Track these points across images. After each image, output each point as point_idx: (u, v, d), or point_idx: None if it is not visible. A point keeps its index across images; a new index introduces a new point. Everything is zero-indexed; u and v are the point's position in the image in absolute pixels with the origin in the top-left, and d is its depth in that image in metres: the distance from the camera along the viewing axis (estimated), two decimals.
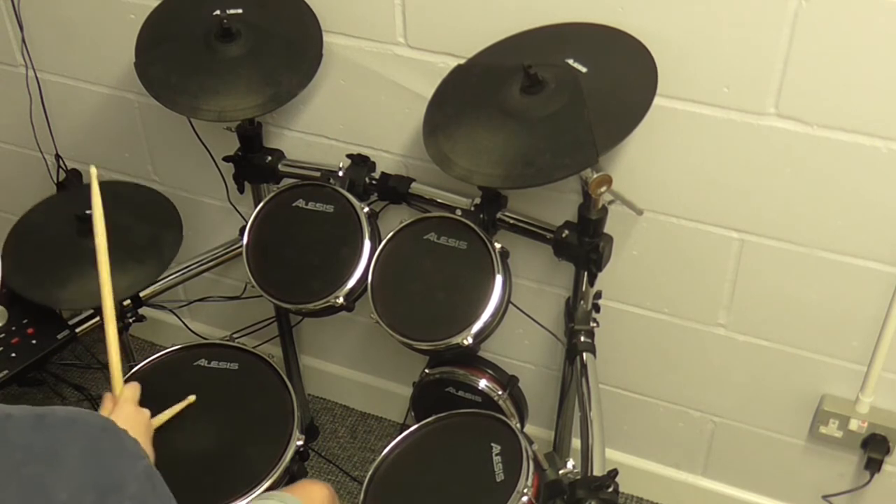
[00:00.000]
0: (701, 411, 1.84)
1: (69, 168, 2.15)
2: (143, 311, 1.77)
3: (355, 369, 2.22)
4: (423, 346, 1.52)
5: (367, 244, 1.58)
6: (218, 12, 1.61)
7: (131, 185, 1.92)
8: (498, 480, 1.38)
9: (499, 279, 1.50)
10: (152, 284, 1.75)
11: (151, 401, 1.38)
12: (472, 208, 1.62)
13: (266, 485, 1.43)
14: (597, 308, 1.69)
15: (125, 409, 1.31)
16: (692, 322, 1.72)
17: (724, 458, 1.89)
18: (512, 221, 1.62)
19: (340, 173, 1.69)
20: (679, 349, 1.76)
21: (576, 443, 1.82)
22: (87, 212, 1.68)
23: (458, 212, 1.61)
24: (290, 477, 1.49)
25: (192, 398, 1.48)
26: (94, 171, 1.45)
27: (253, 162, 1.78)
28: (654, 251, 1.66)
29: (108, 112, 2.02)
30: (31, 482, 0.74)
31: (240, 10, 1.63)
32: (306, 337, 2.21)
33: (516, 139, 1.40)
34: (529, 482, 1.36)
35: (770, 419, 1.78)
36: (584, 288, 1.62)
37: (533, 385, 1.90)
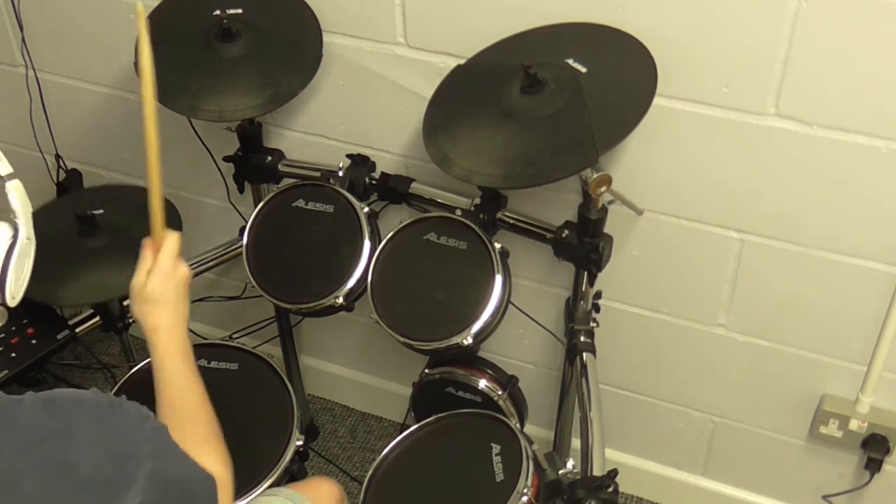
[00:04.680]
0: (701, 411, 1.84)
1: (69, 168, 2.15)
2: None
3: (355, 369, 2.22)
4: (423, 346, 1.52)
5: (367, 244, 1.58)
6: (218, 12, 1.61)
7: (131, 188, 1.91)
8: (498, 480, 1.38)
9: (499, 279, 1.50)
10: None
11: (152, 402, 1.38)
12: (472, 208, 1.62)
13: (266, 485, 1.43)
14: (597, 308, 1.69)
15: (164, 268, 1.21)
16: (692, 322, 1.72)
17: (724, 458, 1.89)
18: (512, 221, 1.62)
19: (340, 173, 1.69)
20: (679, 349, 1.76)
21: (576, 443, 1.82)
22: (88, 212, 1.69)
23: (458, 212, 1.61)
24: (290, 477, 1.49)
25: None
26: (140, 7, 1.30)
27: (253, 162, 1.78)
28: (654, 251, 1.66)
29: (108, 112, 2.02)
30: (52, 461, 0.76)
31: (240, 11, 1.63)
32: (306, 337, 2.21)
33: (516, 139, 1.40)
34: (529, 482, 1.36)
35: (770, 419, 1.78)
36: (584, 288, 1.62)
37: (533, 385, 1.90)
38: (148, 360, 1.58)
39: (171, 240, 1.24)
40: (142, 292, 1.20)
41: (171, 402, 1.15)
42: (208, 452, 1.06)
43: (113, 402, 0.85)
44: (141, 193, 1.76)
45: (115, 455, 0.79)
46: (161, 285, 1.20)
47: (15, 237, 1.08)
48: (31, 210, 1.11)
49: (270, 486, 1.44)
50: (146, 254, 1.23)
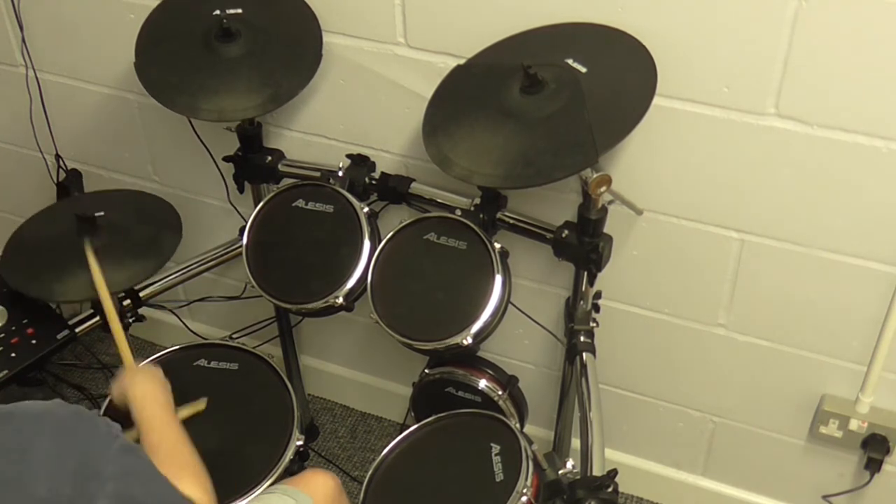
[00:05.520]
0: (701, 411, 1.84)
1: (69, 168, 2.15)
2: (143, 311, 1.77)
3: (355, 369, 2.22)
4: (423, 346, 1.52)
5: (366, 244, 1.58)
6: (218, 12, 1.61)
7: (131, 192, 1.92)
8: (498, 480, 1.38)
9: (499, 279, 1.50)
10: (152, 284, 1.76)
11: None
12: (472, 208, 1.62)
13: (266, 485, 1.43)
14: (597, 308, 1.69)
15: (139, 369, 1.37)
16: (692, 322, 1.72)
17: (724, 458, 1.89)
18: (512, 221, 1.62)
19: (340, 173, 1.69)
20: (679, 349, 1.76)
21: (576, 443, 1.82)
22: (89, 213, 1.69)
23: (458, 212, 1.61)
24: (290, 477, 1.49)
25: (202, 404, 1.49)
26: (90, 251, 1.53)
27: (253, 162, 1.78)
28: (654, 251, 1.66)
29: (108, 112, 2.02)
30: (7, 482, 0.73)
31: (240, 10, 1.63)
32: (306, 337, 2.21)
33: (516, 139, 1.40)
34: (529, 482, 1.36)
35: (770, 419, 1.78)
36: (583, 288, 1.62)
37: (533, 385, 1.90)
38: (147, 361, 1.60)
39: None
40: (122, 379, 1.37)
41: (149, 440, 1.22)
42: (186, 478, 1.10)
43: (80, 415, 0.81)
44: (140, 195, 1.78)
45: (76, 474, 0.76)
46: (136, 373, 1.39)
47: None
48: None
49: (270, 486, 1.44)
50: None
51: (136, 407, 1.30)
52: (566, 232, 1.55)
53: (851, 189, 1.44)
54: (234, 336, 2.02)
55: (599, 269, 1.55)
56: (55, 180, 2.15)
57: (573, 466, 1.41)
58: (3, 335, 1.67)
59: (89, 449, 0.78)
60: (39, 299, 1.67)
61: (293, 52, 1.62)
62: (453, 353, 1.61)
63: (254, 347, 1.65)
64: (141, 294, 1.75)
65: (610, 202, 1.52)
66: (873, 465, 1.68)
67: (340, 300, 1.56)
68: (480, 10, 1.51)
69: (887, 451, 1.66)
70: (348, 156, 1.72)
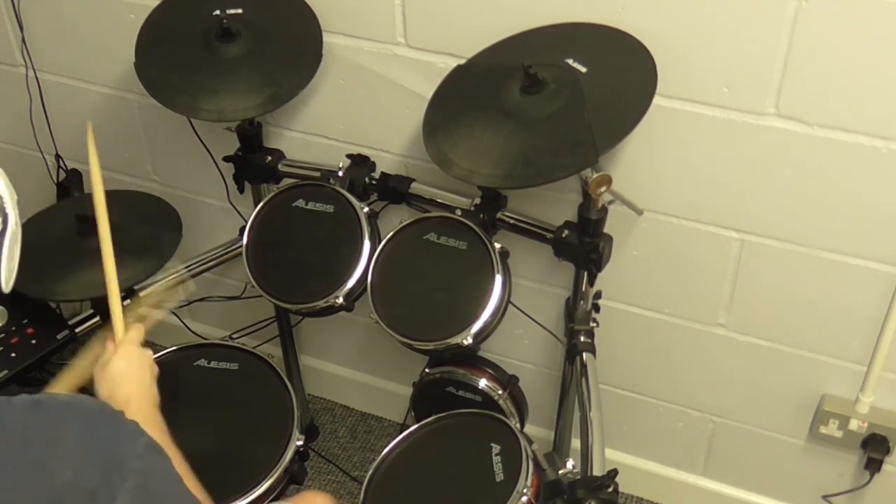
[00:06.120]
0: (701, 411, 1.84)
1: (69, 168, 2.15)
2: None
3: (355, 369, 2.22)
4: (423, 346, 1.52)
5: (366, 244, 1.58)
6: (218, 12, 1.61)
7: (130, 193, 1.91)
8: (498, 480, 1.38)
9: (499, 279, 1.50)
10: (152, 284, 1.75)
11: None
12: (472, 208, 1.62)
13: (266, 485, 1.43)
14: (597, 308, 1.69)
15: (128, 350, 1.26)
16: (692, 322, 1.72)
17: (724, 458, 1.89)
18: (512, 221, 1.62)
19: (340, 173, 1.69)
20: (679, 349, 1.76)
21: (576, 443, 1.82)
22: (88, 213, 1.69)
23: (458, 212, 1.61)
24: (290, 477, 1.49)
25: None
26: (90, 131, 1.41)
27: (253, 162, 1.78)
28: (654, 251, 1.66)
29: (108, 112, 2.02)
30: (33, 466, 0.74)
31: (240, 10, 1.63)
32: (306, 337, 2.21)
33: (516, 139, 1.40)
34: (529, 482, 1.36)
35: (770, 419, 1.78)
36: (584, 288, 1.62)
37: (533, 385, 1.90)
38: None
39: (135, 330, 1.28)
40: (106, 371, 1.23)
41: None
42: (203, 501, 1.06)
43: (107, 410, 0.82)
44: (140, 197, 1.77)
45: (102, 463, 0.76)
46: (125, 364, 1.23)
47: (5, 223, 1.08)
48: (16, 197, 1.12)
49: (271, 486, 1.44)
50: (108, 345, 1.26)
51: (129, 410, 1.17)
52: (566, 232, 1.55)
53: (851, 189, 1.44)
54: (234, 336, 2.02)
55: (599, 269, 1.55)
56: (55, 180, 2.15)
57: (573, 466, 1.41)
58: (3, 335, 1.66)
59: (115, 442, 0.79)
60: (40, 299, 1.67)
61: (293, 52, 1.62)
62: (453, 353, 1.61)
63: (254, 347, 1.65)
64: (141, 294, 1.75)
65: (610, 202, 1.52)
66: (873, 465, 1.68)
67: (340, 300, 1.56)
68: (480, 10, 1.51)
69: (887, 451, 1.66)
70: (348, 156, 1.72)
